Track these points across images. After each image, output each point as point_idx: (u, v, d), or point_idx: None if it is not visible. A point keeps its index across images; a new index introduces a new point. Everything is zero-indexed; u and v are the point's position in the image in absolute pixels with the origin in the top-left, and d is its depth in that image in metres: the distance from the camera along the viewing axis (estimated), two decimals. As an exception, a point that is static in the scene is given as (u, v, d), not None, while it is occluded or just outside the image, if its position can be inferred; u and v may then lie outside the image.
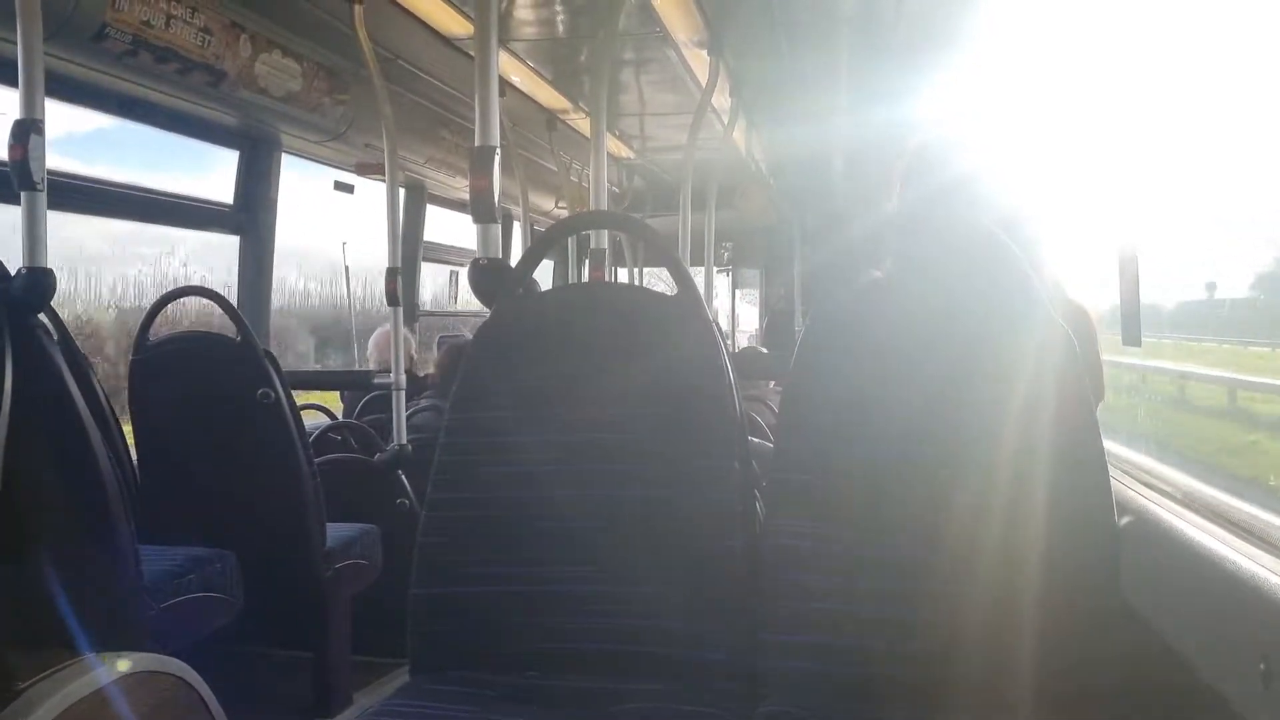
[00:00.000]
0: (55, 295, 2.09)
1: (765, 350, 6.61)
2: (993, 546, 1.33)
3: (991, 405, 1.36)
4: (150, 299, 3.05)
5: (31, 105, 2.02)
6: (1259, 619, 1.06)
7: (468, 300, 5.98)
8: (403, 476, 3.36)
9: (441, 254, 5.66)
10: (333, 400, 4.57)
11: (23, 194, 2.03)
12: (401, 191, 3.97)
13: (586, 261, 2.76)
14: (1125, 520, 1.46)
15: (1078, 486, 1.30)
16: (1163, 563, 1.38)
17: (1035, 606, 1.31)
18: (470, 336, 2.06)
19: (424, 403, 3.88)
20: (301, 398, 3.57)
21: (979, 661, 1.34)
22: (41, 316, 2.09)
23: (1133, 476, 1.70)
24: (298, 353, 5.01)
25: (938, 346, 1.41)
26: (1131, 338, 1.96)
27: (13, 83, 2.07)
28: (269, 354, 2.86)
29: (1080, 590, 1.30)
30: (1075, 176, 2.53)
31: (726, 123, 4.34)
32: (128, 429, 2.87)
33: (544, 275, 6.85)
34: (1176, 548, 1.33)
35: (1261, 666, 1.03)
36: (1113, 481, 1.33)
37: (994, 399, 1.36)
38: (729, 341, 7.98)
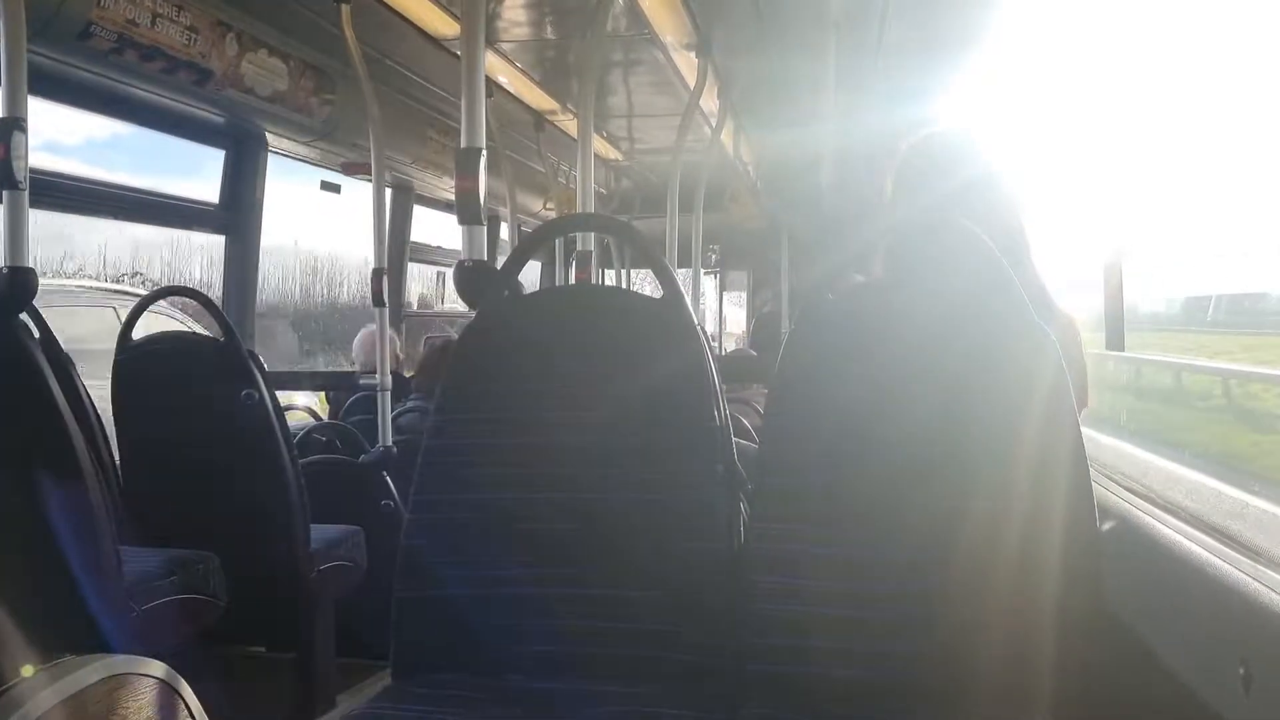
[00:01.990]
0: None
1: (753, 353, 6.62)
2: (974, 550, 1.33)
3: (975, 410, 1.36)
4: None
5: (15, 104, 2.01)
6: (1239, 623, 1.06)
7: (454, 301, 5.97)
8: (387, 478, 3.35)
9: (429, 255, 5.65)
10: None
11: (5, 193, 2.02)
12: (388, 192, 3.96)
13: (573, 263, 2.75)
14: (1107, 525, 1.46)
15: (1060, 491, 1.31)
16: (1144, 567, 1.39)
17: (1017, 611, 1.31)
18: (456, 337, 2.06)
19: (410, 404, 3.87)
20: (286, 398, 3.56)
21: (959, 665, 1.34)
22: (24, 316, 2.08)
23: (1116, 481, 1.71)
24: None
25: (922, 351, 1.41)
26: (1115, 342, 1.98)
27: (-4, 81, 2.06)
28: (253, 354, 2.85)
29: (1062, 594, 1.30)
30: (1063, 184, 2.55)
31: (714, 125, 4.34)
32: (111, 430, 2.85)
33: (531, 277, 6.85)
34: (1158, 552, 1.34)
35: (1241, 670, 1.03)
36: (1095, 486, 1.33)
37: (977, 404, 1.36)
38: (716, 344, 7.99)
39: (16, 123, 2.01)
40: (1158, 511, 1.45)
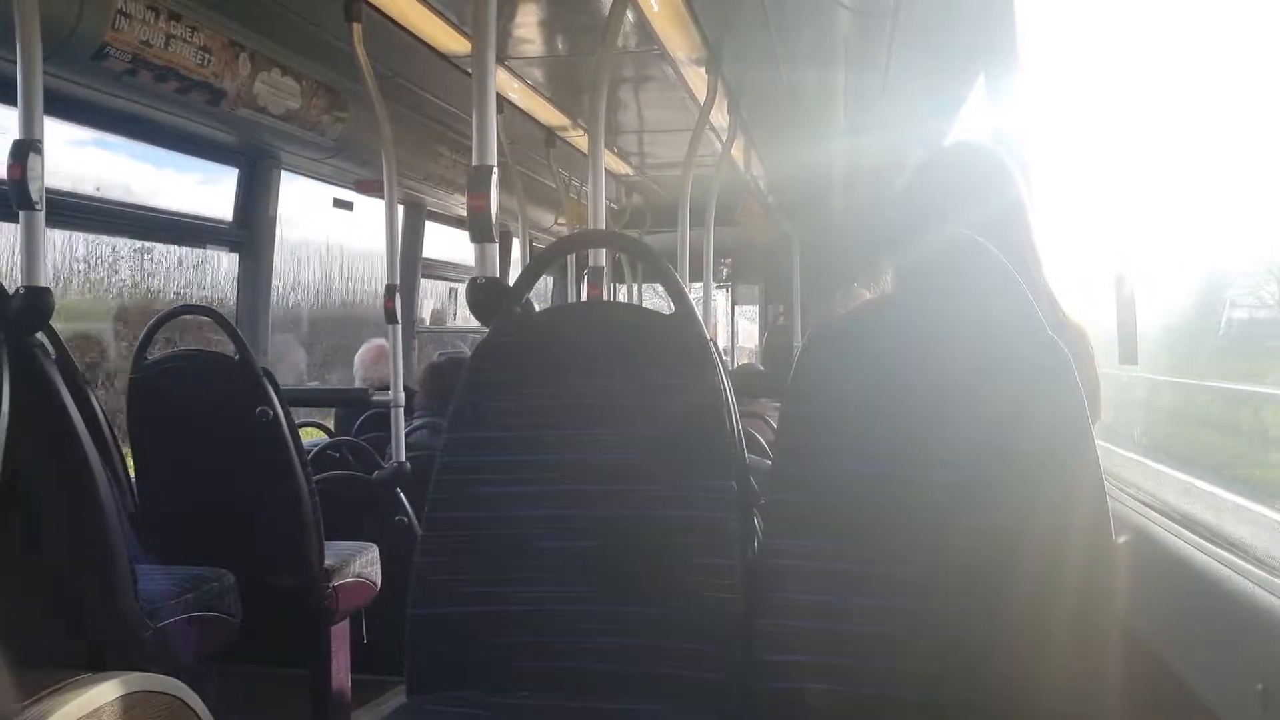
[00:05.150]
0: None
1: (764, 368, 6.62)
2: (991, 565, 1.33)
3: (989, 424, 1.36)
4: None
5: (30, 125, 2.03)
6: (1257, 639, 1.06)
7: (467, 317, 5.99)
8: (401, 495, 3.36)
9: (441, 271, 5.67)
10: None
11: (21, 213, 2.03)
12: (400, 209, 3.98)
13: (585, 279, 2.76)
14: (1123, 539, 1.46)
15: (1075, 505, 1.30)
16: (1160, 582, 1.38)
17: (1033, 625, 1.30)
18: (469, 353, 2.07)
19: (417, 421, 3.87)
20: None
21: (977, 681, 1.33)
22: (40, 336, 2.09)
23: (1130, 495, 1.70)
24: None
25: (936, 365, 1.41)
26: (1128, 355, 1.97)
27: (12, 102, 2.08)
28: (267, 372, 2.86)
29: (1077, 609, 1.29)
30: (1072, 193, 2.54)
31: (725, 140, 4.35)
32: (126, 448, 2.87)
33: (542, 291, 6.86)
34: (1174, 567, 1.33)
35: (1259, 687, 1.03)
36: (1110, 500, 1.33)
37: (992, 417, 1.36)
38: (728, 358, 7.99)
39: (32, 144, 2.02)
40: (1174, 526, 1.44)
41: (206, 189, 3.88)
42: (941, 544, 1.36)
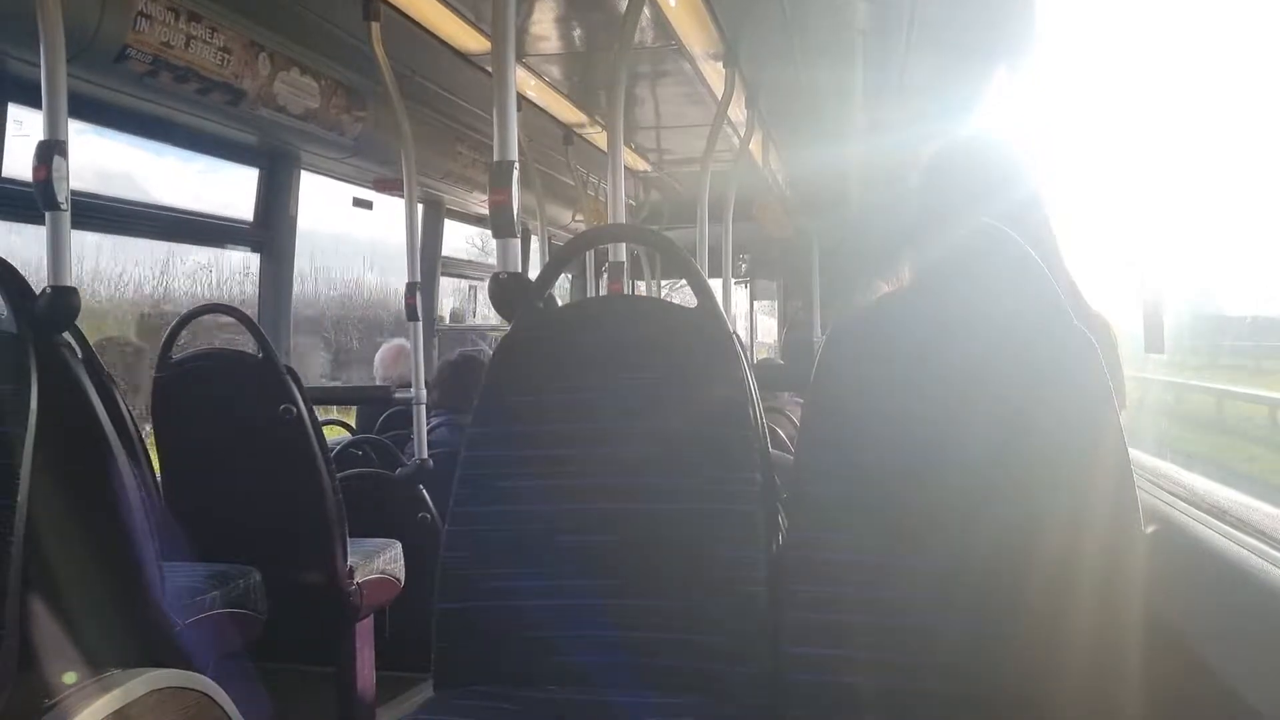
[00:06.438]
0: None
1: (784, 362, 6.61)
2: (1017, 556, 1.32)
3: (1014, 414, 1.35)
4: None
5: (55, 126, 2.04)
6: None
7: (485, 315, 6.00)
8: (424, 491, 3.37)
9: (460, 268, 5.68)
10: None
11: (47, 214, 2.04)
12: (420, 207, 3.99)
13: (605, 274, 2.76)
14: (1152, 529, 1.44)
15: (1103, 495, 1.29)
16: (1191, 572, 1.37)
17: (1061, 617, 1.30)
18: (489, 351, 2.07)
19: (436, 419, 3.88)
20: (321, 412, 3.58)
21: (1004, 673, 1.33)
22: (66, 335, 2.10)
23: (1159, 485, 1.69)
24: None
25: (959, 356, 1.40)
26: (1154, 344, 1.95)
27: (36, 104, 2.09)
28: (290, 370, 2.88)
29: (1106, 600, 1.29)
30: (1096, 182, 2.53)
31: (743, 135, 4.35)
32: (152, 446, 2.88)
33: (562, 289, 6.87)
34: (1205, 557, 1.32)
35: None
36: (1139, 490, 1.32)
37: (1016, 408, 1.35)
38: (748, 353, 7.96)
39: (57, 145, 2.03)
40: (1204, 515, 1.43)
41: (224, 189, 3.90)
42: (967, 536, 1.35)
